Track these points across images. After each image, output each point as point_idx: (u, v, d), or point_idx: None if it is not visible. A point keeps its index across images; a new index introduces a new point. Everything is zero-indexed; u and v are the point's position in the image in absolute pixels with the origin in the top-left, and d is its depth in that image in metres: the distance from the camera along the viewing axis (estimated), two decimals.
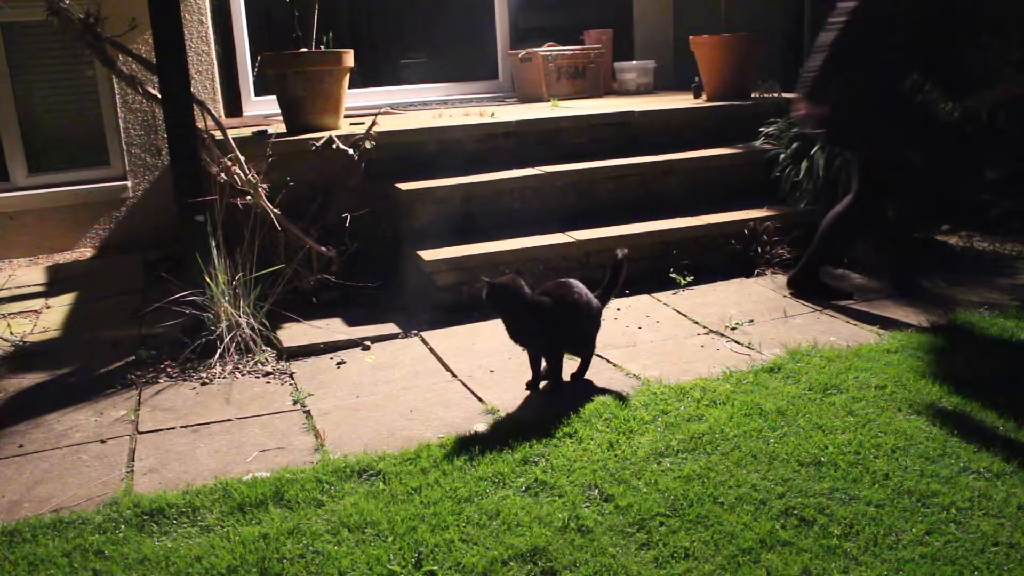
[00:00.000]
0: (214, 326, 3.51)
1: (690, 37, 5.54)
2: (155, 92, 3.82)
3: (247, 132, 4.55)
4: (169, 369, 3.45)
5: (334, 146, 4.25)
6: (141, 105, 5.52)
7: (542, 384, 3.14)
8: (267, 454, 2.73)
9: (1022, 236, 4.69)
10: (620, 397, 2.97)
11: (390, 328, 3.80)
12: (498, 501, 2.35)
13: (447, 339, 3.68)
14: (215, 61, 5.70)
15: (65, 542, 2.25)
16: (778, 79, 5.64)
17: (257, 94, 5.99)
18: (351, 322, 3.86)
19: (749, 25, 5.87)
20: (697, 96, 5.75)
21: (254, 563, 2.12)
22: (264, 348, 3.57)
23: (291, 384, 3.31)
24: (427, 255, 4.00)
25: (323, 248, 4.06)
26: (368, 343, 3.66)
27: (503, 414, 2.94)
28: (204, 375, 3.39)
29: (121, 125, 5.58)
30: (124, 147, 5.60)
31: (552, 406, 2.93)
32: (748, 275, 4.35)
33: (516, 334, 3.09)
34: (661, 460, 2.54)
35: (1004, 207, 4.65)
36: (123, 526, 2.31)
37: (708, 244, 4.43)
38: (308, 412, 3.04)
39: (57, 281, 4.95)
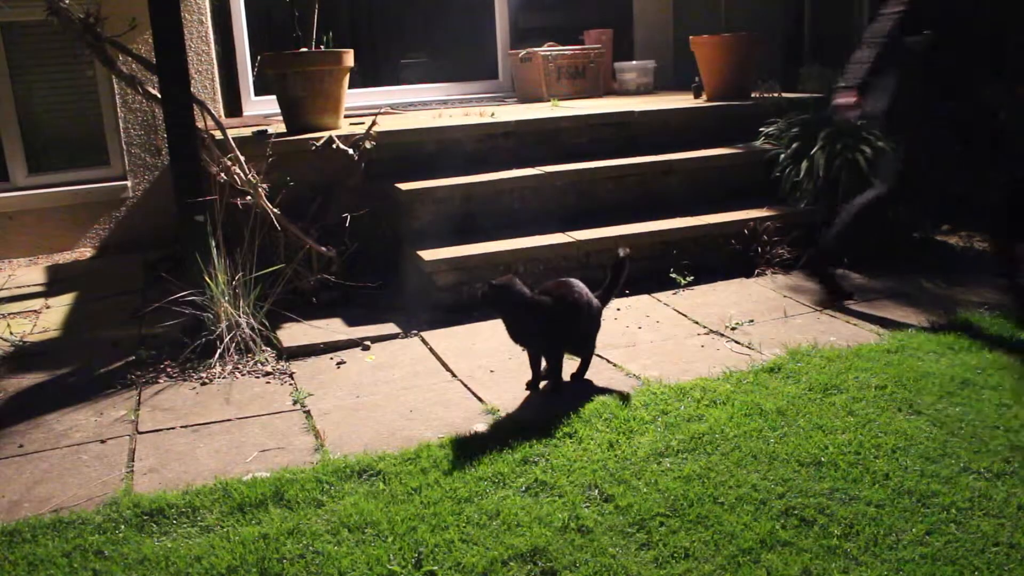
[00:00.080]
0: (214, 326, 3.51)
1: (690, 37, 5.54)
2: (155, 92, 3.82)
3: (247, 132, 4.55)
4: (169, 369, 3.45)
5: (334, 146, 4.25)
6: (141, 105, 5.52)
7: (542, 384, 3.14)
8: (267, 454, 2.73)
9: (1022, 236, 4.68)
10: (620, 397, 2.96)
11: (390, 328, 3.80)
12: (498, 501, 2.35)
13: (447, 339, 3.68)
14: (215, 61, 5.70)
15: (65, 542, 2.25)
16: (778, 79, 5.64)
17: (257, 94, 5.99)
18: (351, 322, 3.86)
19: (749, 25, 5.88)
20: (697, 96, 5.74)
21: (254, 563, 2.12)
22: (264, 348, 3.57)
23: (291, 384, 3.31)
24: (427, 255, 4.00)
25: (323, 248, 4.06)
26: (368, 343, 3.66)
27: (503, 414, 2.93)
28: (204, 375, 3.38)
29: (121, 125, 5.58)
30: (124, 147, 5.60)
31: (552, 406, 2.93)
32: (748, 275, 4.35)
33: (516, 334, 3.09)
34: (661, 460, 2.54)
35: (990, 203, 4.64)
36: (123, 526, 2.31)
37: (708, 244, 4.43)
38: (308, 412, 3.04)
39: (57, 281, 4.95)
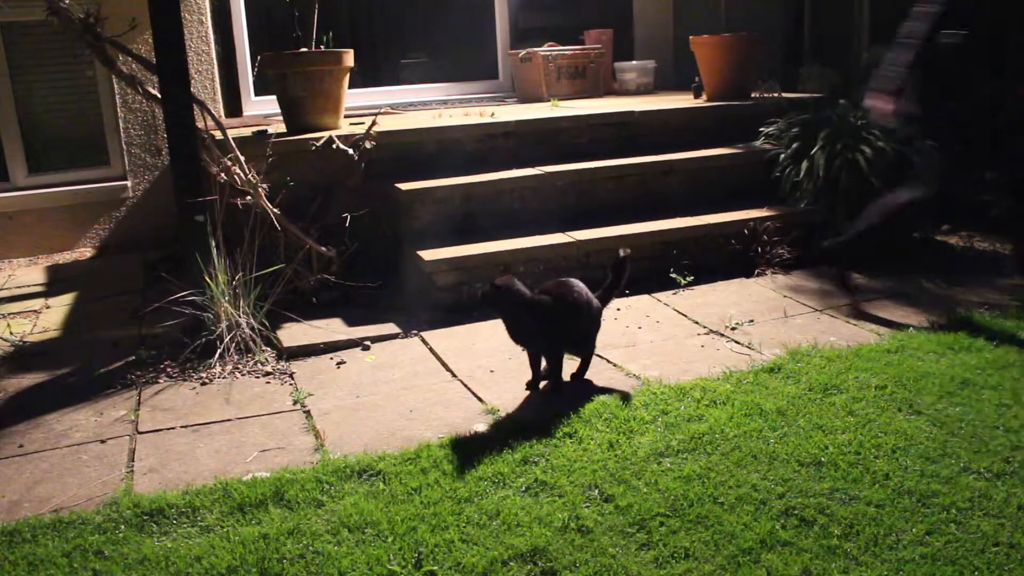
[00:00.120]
0: (214, 326, 3.51)
1: (690, 37, 5.54)
2: (155, 92, 3.82)
3: (247, 132, 4.55)
4: (169, 369, 3.45)
5: (334, 146, 4.25)
6: (141, 105, 5.52)
7: (542, 384, 3.14)
8: (267, 454, 2.73)
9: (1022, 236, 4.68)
10: (620, 397, 2.96)
11: (390, 328, 3.79)
12: (498, 501, 2.35)
13: (447, 339, 3.68)
14: (215, 61, 5.70)
15: (65, 542, 2.25)
16: (778, 79, 5.64)
17: (257, 94, 5.99)
18: (351, 322, 3.86)
19: (749, 25, 5.88)
20: (697, 96, 5.74)
21: (254, 563, 2.12)
22: (264, 348, 3.57)
23: (291, 384, 3.31)
24: (427, 255, 4.00)
25: (323, 248, 4.06)
26: (368, 343, 3.66)
27: (503, 414, 2.93)
28: (204, 375, 3.39)
29: (121, 125, 5.58)
30: (124, 147, 5.60)
31: (552, 406, 2.93)
32: (748, 275, 4.35)
33: (516, 334, 3.09)
34: (661, 460, 2.54)
35: (1004, 207, 4.64)
36: (123, 526, 2.31)
37: (708, 244, 4.43)
38: (308, 412, 3.04)
39: (57, 281, 4.95)
